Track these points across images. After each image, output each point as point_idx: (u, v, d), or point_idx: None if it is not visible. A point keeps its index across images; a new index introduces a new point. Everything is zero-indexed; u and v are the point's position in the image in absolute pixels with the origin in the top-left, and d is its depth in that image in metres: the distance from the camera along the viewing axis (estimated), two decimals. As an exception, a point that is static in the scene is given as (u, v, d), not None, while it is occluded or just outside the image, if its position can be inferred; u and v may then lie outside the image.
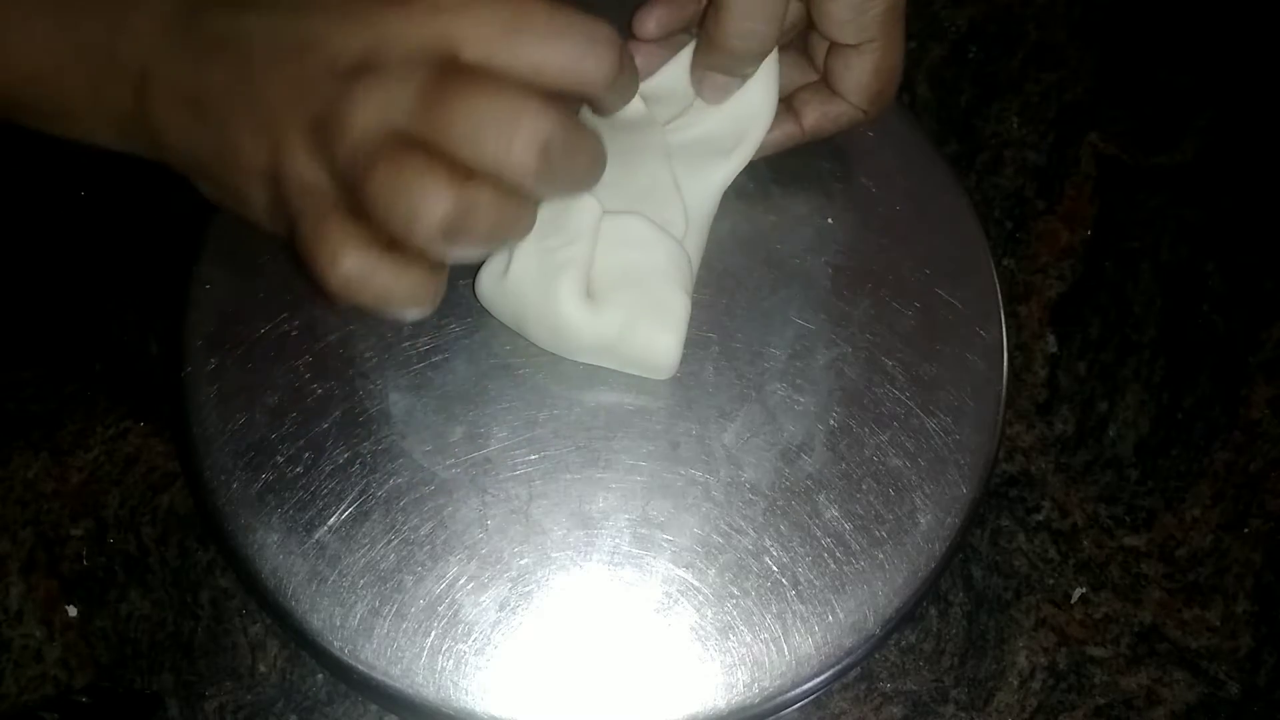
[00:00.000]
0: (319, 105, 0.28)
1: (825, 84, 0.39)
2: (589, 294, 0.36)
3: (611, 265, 0.36)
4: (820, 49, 0.39)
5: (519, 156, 0.28)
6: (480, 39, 0.28)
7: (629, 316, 0.36)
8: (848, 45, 0.37)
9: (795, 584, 0.37)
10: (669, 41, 0.39)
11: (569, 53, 0.29)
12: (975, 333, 0.41)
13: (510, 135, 0.28)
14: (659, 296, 0.37)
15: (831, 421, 0.39)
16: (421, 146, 0.28)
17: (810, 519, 0.38)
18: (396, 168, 0.27)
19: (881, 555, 0.38)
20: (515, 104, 0.28)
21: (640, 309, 0.36)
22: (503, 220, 0.29)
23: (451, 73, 0.28)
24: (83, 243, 0.50)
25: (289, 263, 0.37)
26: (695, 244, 0.39)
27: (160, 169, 0.52)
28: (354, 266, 0.29)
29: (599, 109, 0.38)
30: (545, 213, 0.33)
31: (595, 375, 0.38)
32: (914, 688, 0.44)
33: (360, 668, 0.36)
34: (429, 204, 0.28)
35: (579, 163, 0.30)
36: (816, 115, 0.39)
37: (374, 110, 0.28)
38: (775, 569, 0.37)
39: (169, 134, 0.31)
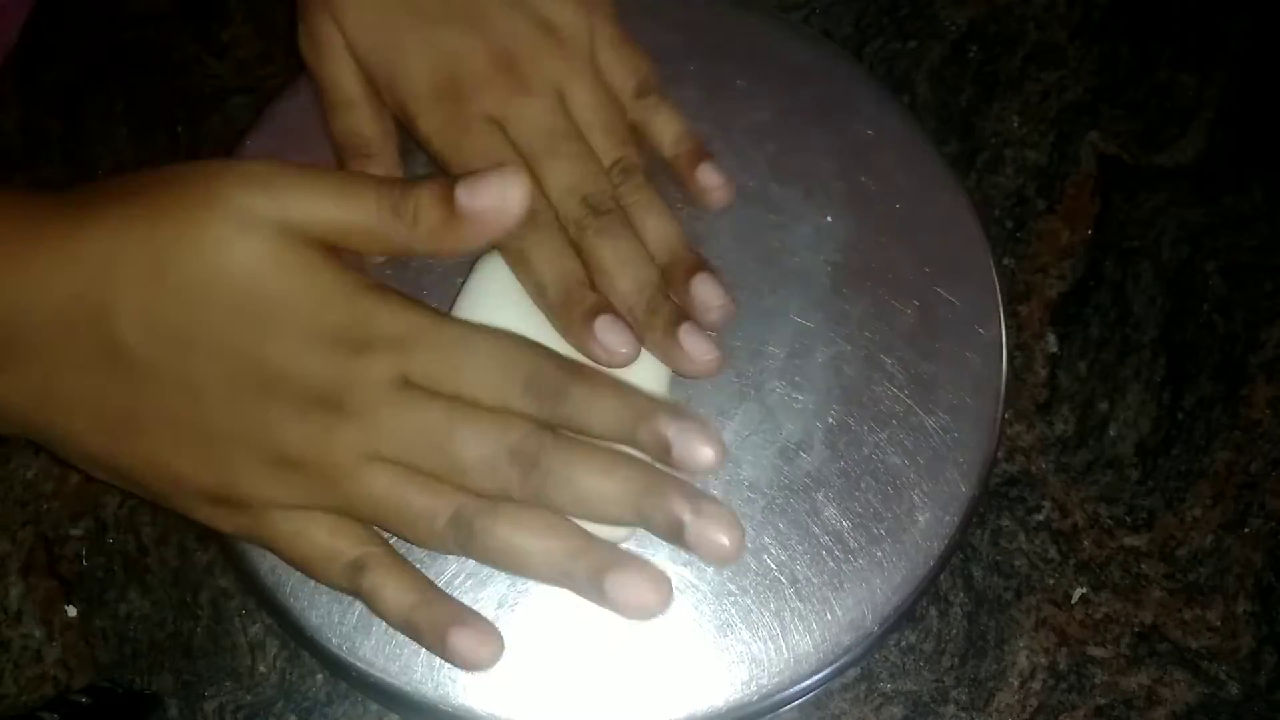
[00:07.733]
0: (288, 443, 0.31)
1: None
2: None
3: None
4: None
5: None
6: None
7: None
8: None
9: (794, 582, 0.37)
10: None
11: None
12: (975, 332, 0.41)
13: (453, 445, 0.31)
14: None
15: (830, 420, 0.39)
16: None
17: (809, 517, 0.38)
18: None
19: (880, 553, 0.38)
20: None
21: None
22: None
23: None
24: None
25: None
26: None
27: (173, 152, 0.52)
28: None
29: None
30: None
31: (594, 374, 0.38)
32: (914, 688, 0.44)
33: (359, 665, 0.36)
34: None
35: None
36: None
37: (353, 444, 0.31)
38: (774, 567, 0.37)
39: (67, 436, 0.32)
